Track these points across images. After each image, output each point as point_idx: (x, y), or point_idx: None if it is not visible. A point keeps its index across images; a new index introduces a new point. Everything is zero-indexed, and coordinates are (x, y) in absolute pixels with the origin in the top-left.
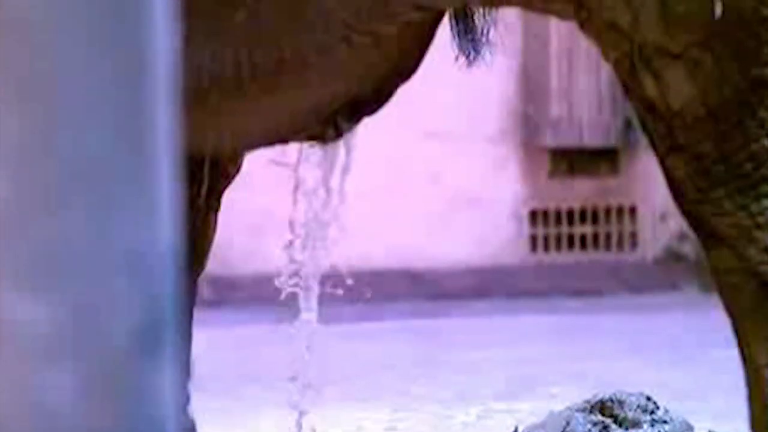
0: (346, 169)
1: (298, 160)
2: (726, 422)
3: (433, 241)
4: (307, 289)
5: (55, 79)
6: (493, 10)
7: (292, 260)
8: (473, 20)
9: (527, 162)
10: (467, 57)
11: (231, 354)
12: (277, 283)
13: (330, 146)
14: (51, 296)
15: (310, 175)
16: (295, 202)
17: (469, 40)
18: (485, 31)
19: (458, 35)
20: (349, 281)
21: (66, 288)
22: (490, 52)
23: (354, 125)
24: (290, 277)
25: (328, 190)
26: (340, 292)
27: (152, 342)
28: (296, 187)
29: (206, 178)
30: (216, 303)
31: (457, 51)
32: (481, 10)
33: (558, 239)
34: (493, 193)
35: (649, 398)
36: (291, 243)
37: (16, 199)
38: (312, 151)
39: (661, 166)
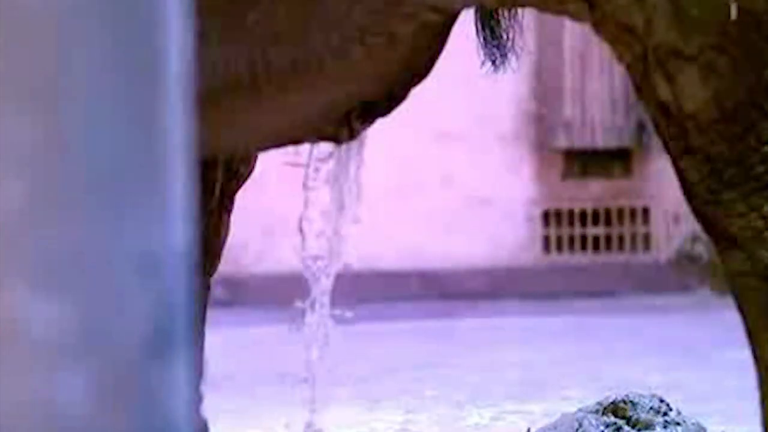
0: (358, 170)
1: (311, 161)
2: (739, 424)
3: (445, 242)
4: (320, 289)
5: (68, 80)
6: (517, 13)
7: (304, 261)
8: (499, 25)
9: (540, 163)
10: (494, 62)
11: (243, 354)
12: (288, 283)
13: (343, 147)
14: (63, 297)
15: (323, 175)
16: (306, 202)
17: (495, 45)
18: (510, 36)
19: (484, 41)
20: (362, 282)
21: (78, 289)
22: (516, 57)
23: (367, 126)
24: (302, 277)
25: (340, 191)
26: (351, 292)
27: (165, 343)
28: (308, 188)
29: (219, 179)
30: (228, 303)
31: (483, 56)
32: (505, 14)
33: (571, 240)
34: (506, 194)
35: (662, 400)
36: (303, 243)
37: (28, 201)
38: (325, 151)
39: (674, 168)
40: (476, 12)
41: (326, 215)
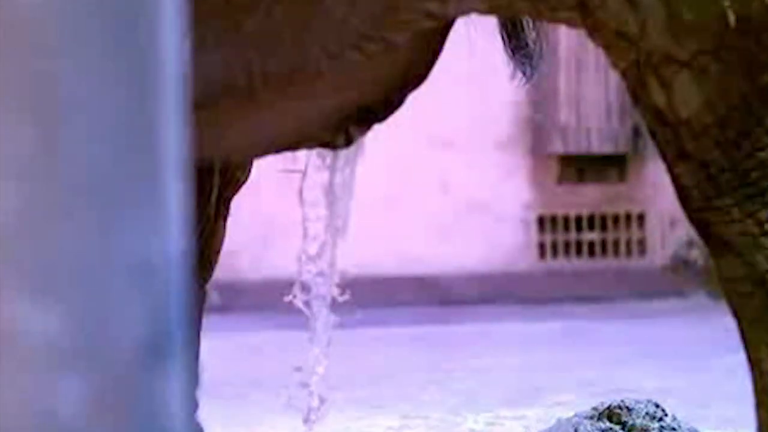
0: (354, 176)
1: (308, 168)
2: (734, 429)
3: (441, 248)
4: (316, 295)
5: (63, 88)
6: (543, 23)
7: (300, 266)
8: (524, 35)
9: (536, 169)
10: (524, 73)
11: (239, 360)
12: (284, 289)
13: (340, 153)
14: (59, 305)
15: (319, 182)
16: (303, 209)
17: (523, 54)
18: (538, 46)
19: (512, 52)
20: (358, 287)
21: (74, 297)
22: (545, 66)
23: (364, 132)
24: (298, 283)
25: (336, 197)
26: (348, 298)
27: (160, 349)
28: (304, 194)
29: (215, 185)
30: (224, 309)
31: (513, 67)
32: (530, 23)
33: (566, 246)
34: (502, 199)
35: (657, 405)
36: (299, 249)
37: (23, 208)
38: (321, 158)
39: (669, 174)
40: (501, 25)
41: (323, 221)
